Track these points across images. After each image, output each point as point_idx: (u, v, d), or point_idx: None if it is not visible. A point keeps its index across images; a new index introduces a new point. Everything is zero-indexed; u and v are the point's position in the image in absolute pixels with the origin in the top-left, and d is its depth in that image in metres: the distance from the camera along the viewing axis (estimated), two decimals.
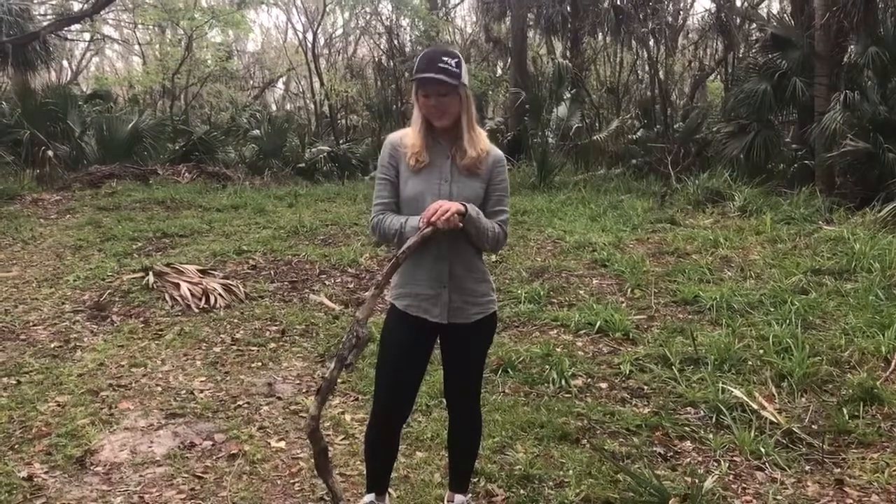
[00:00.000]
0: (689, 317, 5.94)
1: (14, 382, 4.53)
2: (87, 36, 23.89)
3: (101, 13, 19.62)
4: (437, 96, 2.68)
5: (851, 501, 3.34)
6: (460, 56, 2.73)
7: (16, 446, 3.73)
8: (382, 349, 2.91)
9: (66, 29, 18.98)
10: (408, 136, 2.78)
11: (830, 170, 11.44)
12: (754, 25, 17.19)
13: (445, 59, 2.65)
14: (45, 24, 17.58)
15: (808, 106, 12.04)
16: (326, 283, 6.86)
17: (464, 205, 2.62)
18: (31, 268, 7.21)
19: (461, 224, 2.61)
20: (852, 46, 11.32)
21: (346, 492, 3.34)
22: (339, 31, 25.90)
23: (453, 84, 2.64)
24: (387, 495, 3.10)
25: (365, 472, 3.13)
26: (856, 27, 11.24)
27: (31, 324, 5.63)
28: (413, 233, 2.60)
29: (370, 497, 3.01)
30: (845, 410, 4.16)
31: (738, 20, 17.85)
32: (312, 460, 3.58)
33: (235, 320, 5.81)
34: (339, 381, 4.59)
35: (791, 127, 13.92)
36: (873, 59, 10.95)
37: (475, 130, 2.77)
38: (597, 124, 17.62)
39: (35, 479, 3.43)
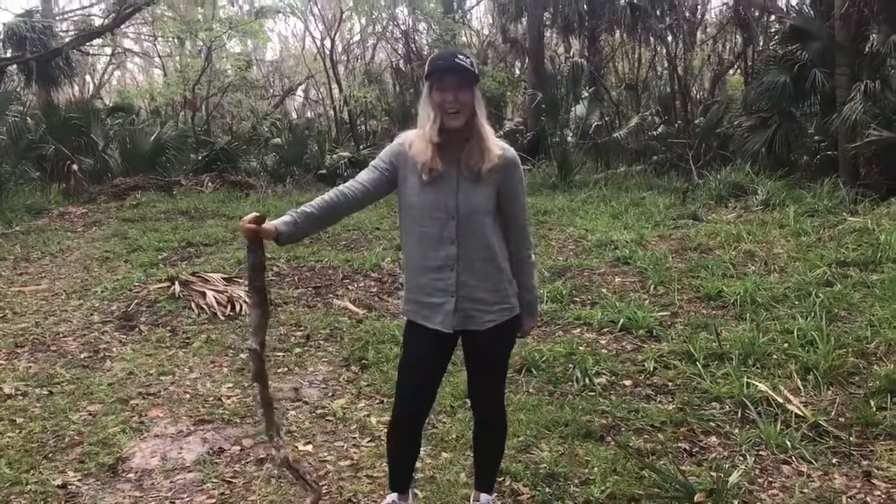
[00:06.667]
0: (713, 312, 5.92)
1: (46, 393, 4.62)
2: (108, 50, 24.20)
3: (122, 27, 19.87)
4: (454, 90, 2.64)
5: (879, 493, 3.32)
6: (472, 58, 2.75)
7: (49, 455, 3.81)
8: (401, 352, 2.97)
9: (87, 44, 19.26)
10: (415, 144, 2.72)
11: (854, 160, 11.31)
12: (773, 17, 17.01)
13: (461, 56, 2.69)
14: (67, 39, 17.87)
15: (830, 97, 11.89)
16: (350, 287, 6.91)
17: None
18: (60, 280, 7.33)
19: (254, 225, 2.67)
20: (874, 35, 11.16)
21: (373, 493, 3.38)
22: (357, 38, 25.98)
23: (472, 73, 2.66)
24: (410, 495, 3.12)
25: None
26: (877, 15, 11.10)
27: (61, 335, 5.73)
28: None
29: (393, 496, 3.04)
30: (872, 402, 4.13)
31: (757, 13, 17.69)
32: (339, 463, 3.64)
33: None
34: (365, 384, 4.66)
35: (813, 118, 13.77)
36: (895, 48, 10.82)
37: (487, 130, 2.72)
38: (616, 122, 17.54)
39: (69, 487, 3.49)
